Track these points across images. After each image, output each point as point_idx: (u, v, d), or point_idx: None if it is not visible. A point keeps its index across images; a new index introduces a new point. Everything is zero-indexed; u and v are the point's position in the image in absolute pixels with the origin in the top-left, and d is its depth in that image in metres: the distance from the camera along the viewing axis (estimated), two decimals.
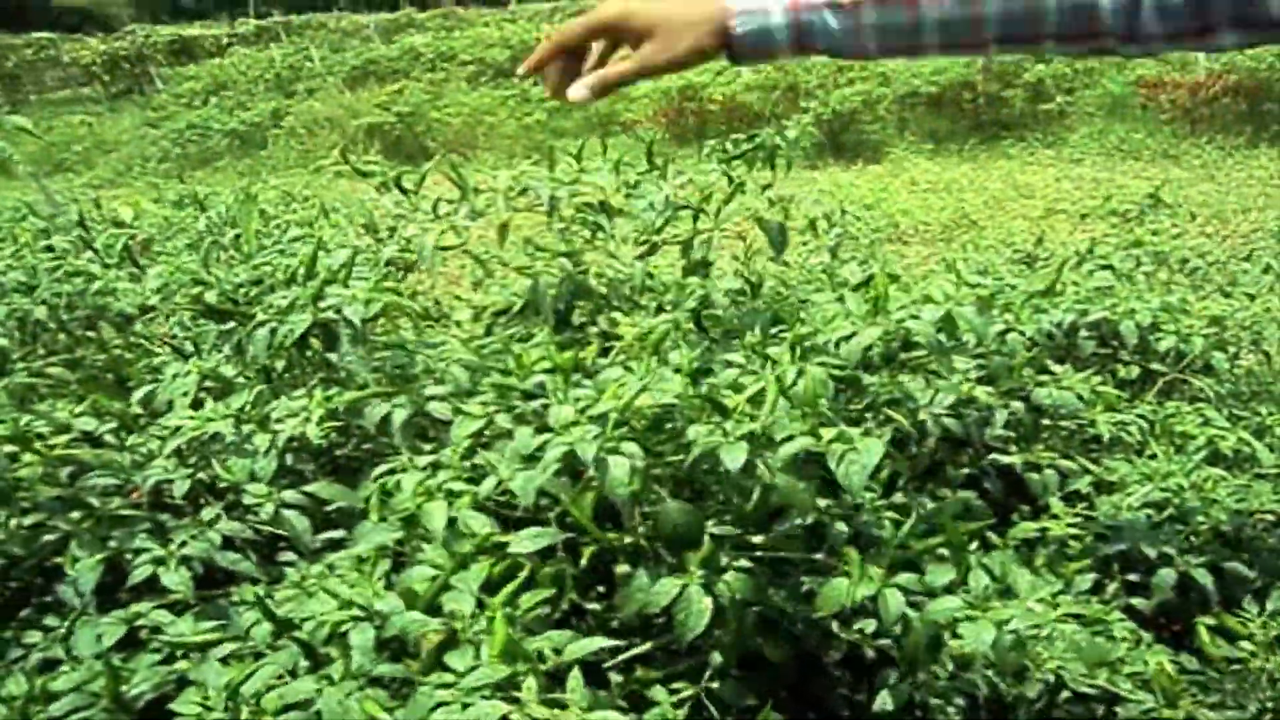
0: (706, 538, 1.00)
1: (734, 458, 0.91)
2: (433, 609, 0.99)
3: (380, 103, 13.53)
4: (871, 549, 1.09)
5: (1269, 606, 1.46)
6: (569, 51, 1.03)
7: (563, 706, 0.86)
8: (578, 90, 1.02)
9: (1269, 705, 1.27)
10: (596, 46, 1.05)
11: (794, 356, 1.18)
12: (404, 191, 1.73)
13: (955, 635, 1.02)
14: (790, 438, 0.95)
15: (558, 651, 0.88)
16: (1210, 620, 1.50)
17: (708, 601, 1.03)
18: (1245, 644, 1.39)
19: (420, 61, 17.28)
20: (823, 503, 1.17)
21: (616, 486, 0.92)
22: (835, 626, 1.35)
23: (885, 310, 1.34)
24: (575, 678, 0.87)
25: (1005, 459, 2.11)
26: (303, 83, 16.64)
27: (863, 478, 0.91)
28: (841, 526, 1.10)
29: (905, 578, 1.00)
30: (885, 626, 0.99)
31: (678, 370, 1.08)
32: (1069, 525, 1.95)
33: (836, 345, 1.31)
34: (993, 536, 1.66)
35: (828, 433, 0.96)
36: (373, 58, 17.74)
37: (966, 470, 2.10)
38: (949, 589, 1.00)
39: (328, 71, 16.97)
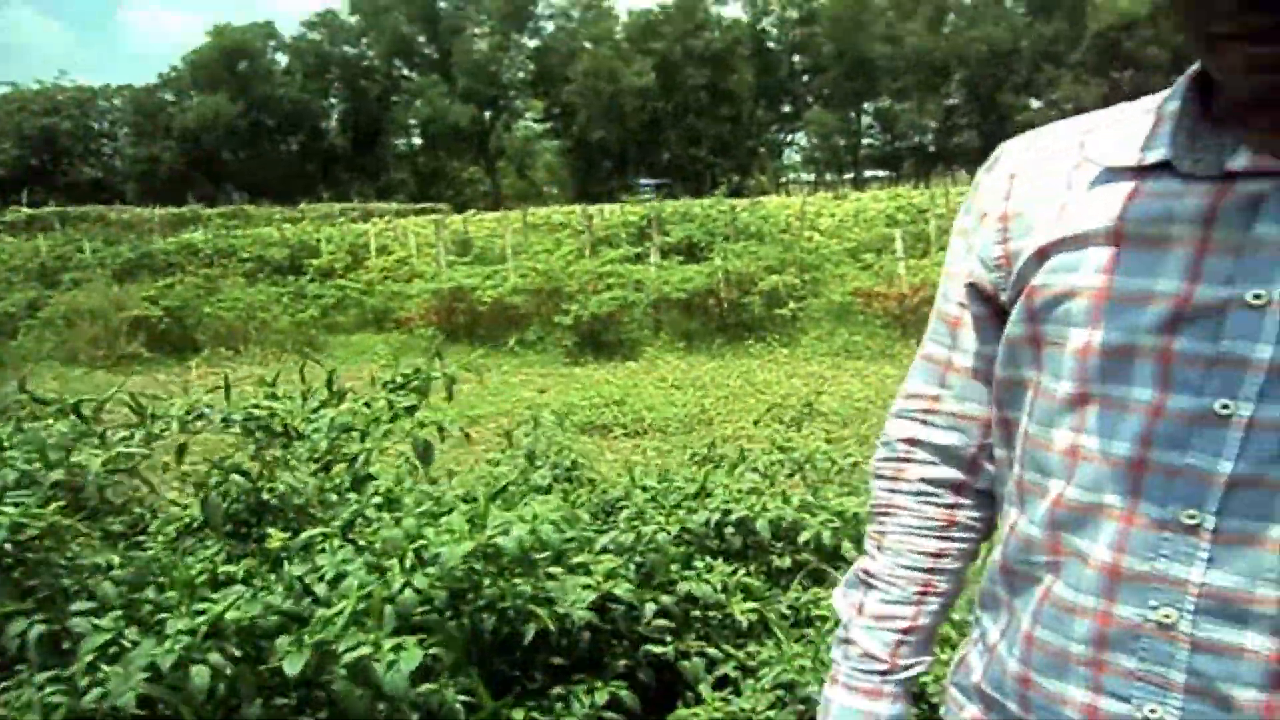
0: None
1: (293, 665, 1.10)
2: None
3: (148, 296, 13.34)
4: None
5: None
6: None
7: None
8: None
9: None
10: None
11: (403, 568, 1.41)
12: (82, 418, 1.89)
13: None
14: (353, 647, 1.16)
15: None
16: None
17: None
18: None
19: (198, 256, 17.19)
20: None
21: (196, 694, 1.09)
22: None
23: (482, 526, 1.59)
24: None
25: (659, 649, 2.37)
26: (69, 273, 16.18)
27: (404, 681, 1.12)
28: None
29: None
30: None
31: (283, 582, 1.28)
32: (714, 710, 2.22)
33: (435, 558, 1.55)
34: None
35: (388, 641, 1.17)
36: (149, 251, 17.51)
37: (624, 661, 2.34)
38: None
39: (98, 263, 16.60)
